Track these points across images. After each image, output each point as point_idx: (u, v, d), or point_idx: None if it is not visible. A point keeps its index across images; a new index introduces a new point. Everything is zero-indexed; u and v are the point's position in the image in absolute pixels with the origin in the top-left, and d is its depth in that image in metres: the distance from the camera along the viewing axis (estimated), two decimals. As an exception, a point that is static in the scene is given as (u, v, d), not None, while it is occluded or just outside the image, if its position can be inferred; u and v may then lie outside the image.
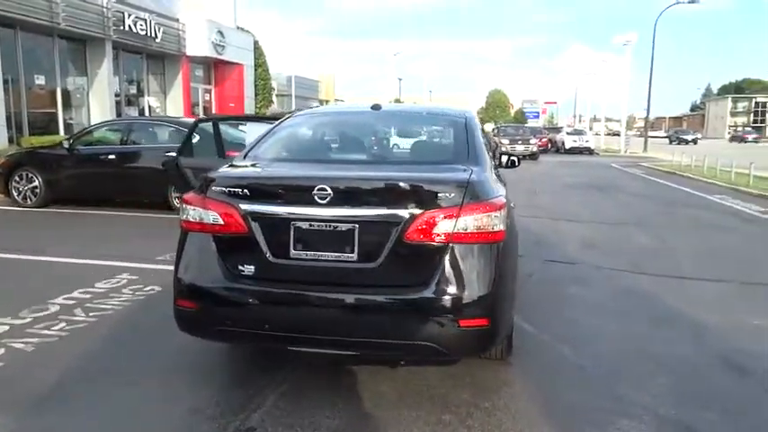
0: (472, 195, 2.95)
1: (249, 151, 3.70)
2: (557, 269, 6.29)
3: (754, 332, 4.44)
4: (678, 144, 53.31)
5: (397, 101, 58.14)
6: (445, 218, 2.88)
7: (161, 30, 19.89)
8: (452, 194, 2.92)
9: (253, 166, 3.51)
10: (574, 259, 6.72)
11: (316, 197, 2.92)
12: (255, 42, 26.87)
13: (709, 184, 15.99)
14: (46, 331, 4.19)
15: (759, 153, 29.42)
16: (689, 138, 63.02)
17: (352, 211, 2.93)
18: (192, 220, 3.18)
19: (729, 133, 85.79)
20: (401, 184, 3.03)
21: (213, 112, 23.69)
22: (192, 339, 4.06)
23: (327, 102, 63.47)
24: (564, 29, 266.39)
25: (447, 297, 2.88)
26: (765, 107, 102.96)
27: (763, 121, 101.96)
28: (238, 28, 25.88)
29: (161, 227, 8.54)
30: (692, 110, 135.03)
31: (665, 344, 4.16)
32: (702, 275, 6.19)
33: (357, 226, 2.92)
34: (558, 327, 4.45)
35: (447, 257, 2.90)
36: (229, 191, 3.08)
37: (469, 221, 2.90)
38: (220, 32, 22.76)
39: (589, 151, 34.89)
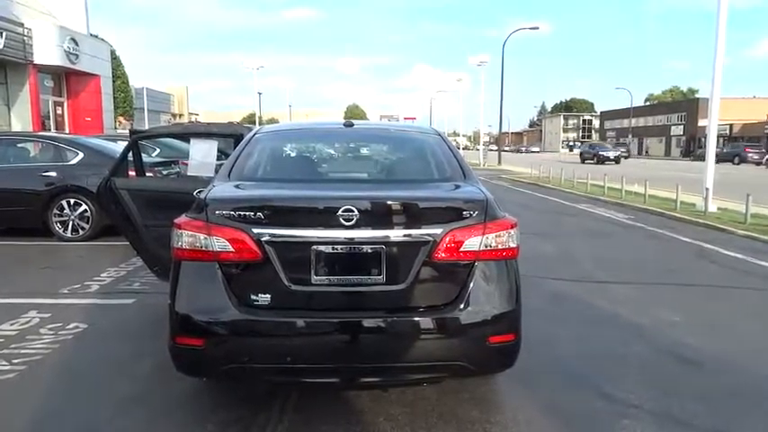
0: (491, 213, 2.98)
1: (231, 170, 3.40)
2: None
3: (680, 327, 4.93)
4: (597, 164, 40.03)
5: (259, 118, 57.12)
6: (473, 236, 2.88)
7: (3, 35, 17.74)
8: (476, 212, 2.93)
9: (253, 187, 3.22)
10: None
11: (341, 219, 2.78)
12: (113, 52, 24.96)
13: (571, 194, 17.51)
14: (-33, 387, 3.54)
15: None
16: (611, 155, 44.06)
17: (380, 232, 2.83)
18: (189, 248, 2.86)
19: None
20: (428, 203, 2.99)
21: (66, 126, 21.52)
22: (157, 381, 3.68)
23: (182, 116, 60.29)
24: (412, 49, 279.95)
25: (477, 315, 2.88)
26: (591, 124, 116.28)
27: (589, 136, 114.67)
28: (92, 35, 23.88)
29: (49, 255, 7.59)
30: (530, 126, 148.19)
31: (620, 344, 4.48)
32: (611, 279, 6.76)
33: (384, 247, 2.82)
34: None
35: (474, 275, 2.90)
36: (239, 215, 2.82)
37: (492, 238, 2.93)
38: (73, 40, 20.79)
39: (452, 165, 36.46)
